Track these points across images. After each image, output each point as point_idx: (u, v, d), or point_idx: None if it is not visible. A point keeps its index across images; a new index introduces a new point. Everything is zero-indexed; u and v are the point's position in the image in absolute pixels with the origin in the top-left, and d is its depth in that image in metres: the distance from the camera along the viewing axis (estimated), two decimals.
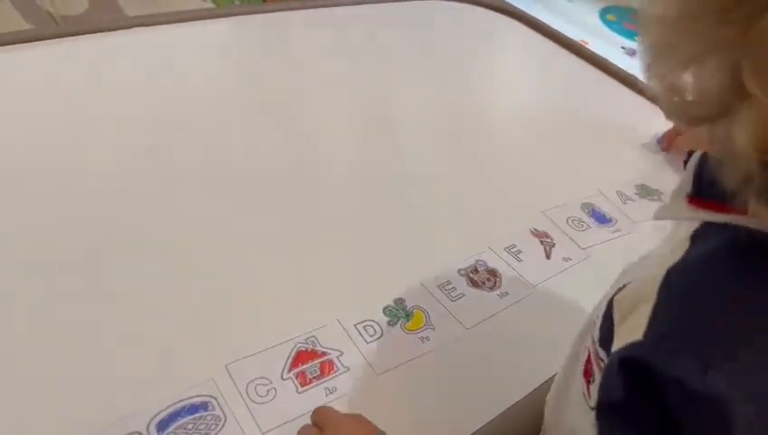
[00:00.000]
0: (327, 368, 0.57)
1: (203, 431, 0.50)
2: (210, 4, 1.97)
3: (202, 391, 0.52)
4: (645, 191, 0.90)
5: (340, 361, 0.58)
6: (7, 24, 1.54)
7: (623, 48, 2.21)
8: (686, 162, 0.36)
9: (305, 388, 0.55)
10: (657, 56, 0.29)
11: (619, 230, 0.82)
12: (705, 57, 0.26)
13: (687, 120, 0.30)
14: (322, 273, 0.67)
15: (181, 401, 0.51)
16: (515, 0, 1.48)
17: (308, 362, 0.57)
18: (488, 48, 1.34)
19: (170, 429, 0.49)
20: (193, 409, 0.51)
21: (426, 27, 1.31)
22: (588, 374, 0.40)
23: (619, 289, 0.36)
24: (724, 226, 0.31)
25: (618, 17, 2.46)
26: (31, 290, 0.59)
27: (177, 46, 1.04)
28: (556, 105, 1.12)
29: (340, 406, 0.52)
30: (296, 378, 0.55)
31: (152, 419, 0.50)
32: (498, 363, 0.62)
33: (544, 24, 1.38)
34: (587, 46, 1.37)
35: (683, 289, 0.31)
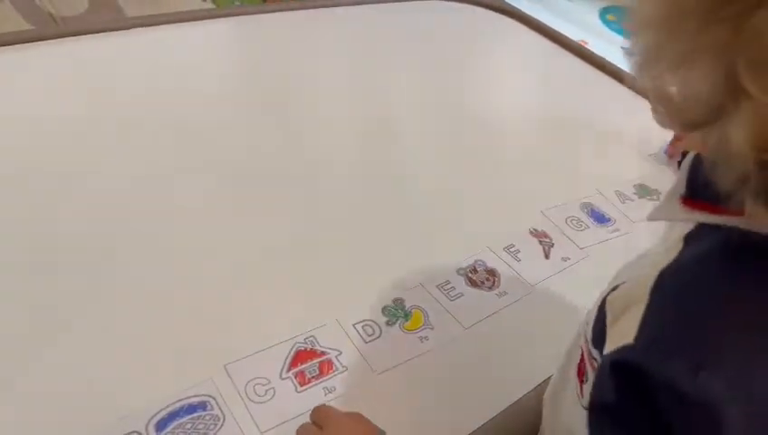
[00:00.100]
0: (326, 367, 0.57)
1: (202, 431, 0.50)
2: (210, 5, 1.97)
3: (201, 391, 0.53)
4: (644, 191, 0.91)
5: (338, 360, 0.58)
6: (7, 24, 1.54)
7: (623, 48, 2.20)
8: (680, 163, 0.36)
9: (304, 387, 0.55)
10: (647, 58, 0.29)
11: (617, 230, 0.82)
12: (696, 58, 0.26)
13: (681, 125, 0.30)
14: (321, 272, 0.67)
15: (180, 400, 0.52)
16: (515, 0, 1.48)
17: (307, 361, 0.57)
18: (488, 48, 1.34)
19: (169, 428, 0.49)
20: (192, 408, 0.51)
21: (426, 27, 1.31)
22: (581, 374, 0.40)
23: (612, 289, 0.36)
24: (718, 227, 0.31)
25: (618, 17, 2.46)
26: (30, 290, 0.59)
27: (177, 46, 1.05)
28: (555, 105, 1.13)
29: (339, 405, 0.52)
30: (295, 377, 0.55)
31: (151, 418, 0.50)
32: (497, 363, 0.62)
33: (544, 24, 1.38)
34: (587, 46, 1.37)
35: (675, 291, 0.31)
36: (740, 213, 0.28)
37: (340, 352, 0.59)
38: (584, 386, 0.39)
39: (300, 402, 0.53)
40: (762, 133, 0.24)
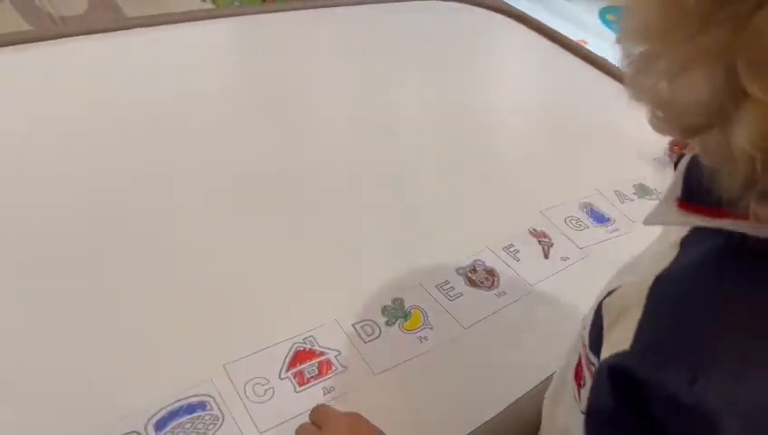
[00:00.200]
0: (325, 367, 0.57)
1: (201, 431, 0.50)
2: (210, 5, 1.97)
3: (200, 391, 0.53)
4: (643, 191, 0.91)
5: (338, 360, 0.58)
6: (7, 24, 1.54)
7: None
8: (676, 164, 0.36)
9: (303, 387, 0.55)
10: (644, 64, 0.28)
11: (617, 230, 0.82)
12: (695, 61, 0.25)
13: (681, 130, 0.29)
14: (321, 272, 0.67)
15: (179, 400, 0.52)
16: (515, 0, 1.48)
17: (306, 361, 0.57)
18: (488, 48, 1.34)
19: (168, 428, 0.49)
20: (191, 408, 0.51)
21: (426, 27, 1.31)
22: (579, 377, 0.40)
23: (608, 294, 0.36)
24: (715, 230, 0.30)
25: (618, 17, 2.46)
26: (29, 290, 0.59)
27: (177, 46, 1.05)
28: (555, 105, 1.13)
29: (338, 405, 0.52)
30: (294, 377, 0.56)
31: (150, 418, 0.50)
32: (496, 363, 0.62)
33: (544, 24, 1.38)
34: (586, 46, 1.37)
35: (672, 297, 0.31)
36: (743, 216, 0.28)
37: (340, 353, 0.59)
38: (582, 390, 0.39)
39: (299, 402, 0.53)
40: (766, 134, 0.24)
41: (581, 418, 0.36)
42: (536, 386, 0.59)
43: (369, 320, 0.62)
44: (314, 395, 0.54)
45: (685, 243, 0.33)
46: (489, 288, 0.69)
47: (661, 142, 0.99)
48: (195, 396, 0.52)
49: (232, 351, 0.56)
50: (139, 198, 0.72)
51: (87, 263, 0.63)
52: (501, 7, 1.40)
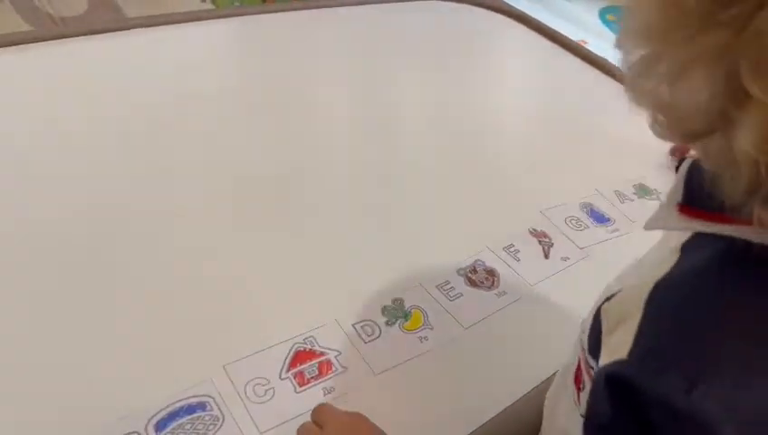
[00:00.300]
0: (325, 368, 0.57)
1: (201, 431, 0.50)
2: (210, 5, 1.97)
3: (200, 392, 0.53)
4: (643, 191, 0.91)
5: (338, 360, 0.58)
6: (7, 24, 1.54)
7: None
8: (677, 167, 0.35)
9: (303, 388, 0.55)
10: (642, 70, 0.28)
11: (617, 230, 0.82)
12: (695, 64, 0.25)
13: (682, 135, 0.29)
14: (321, 272, 0.67)
15: (179, 401, 0.52)
16: (515, 0, 1.48)
17: (306, 361, 0.57)
18: (487, 48, 1.34)
19: (168, 429, 0.49)
20: (191, 409, 0.51)
21: (426, 27, 1.31)
22: (578, 381, 0.39)
23: (607, 299, 0.35)
24: (717, 236, 0.30)
25: (618, 17, 2.46)
26: (29, 290, 0.60)
27: (177, 46, 1.05)
28: (555, 105, 1.13)
29: (339, 406, 0.52)
30: (294, 378, 0.55)
31: (150, 419, 0.50)
32: (496, 363, 0.62)
33: (544, 24, 1.38)
34: (586, 46, 1.37)
35: (673, 302, 0.30)
36: (746, 222, 0.27)
37: (340, 353, 0.59)
38: (581, 394, 0.39)
39: (299, 403, 0.53)
40: None
41: (581, 421, 0.36)
42: (536, 386, 0.59)
43: (370, 320, 0.62)
44: (315, 395, 0.54)
45: (686, 248, 0.32)
46: (489, 288, 0.69)
47: (662, 143, 0.98)
48: (195, 396, 0.52)
49: (232, 351, 0.56)
50: (139, 198, 0.72)
51: (87, 263, 0.63)
52: (501, 7, 1.40)
